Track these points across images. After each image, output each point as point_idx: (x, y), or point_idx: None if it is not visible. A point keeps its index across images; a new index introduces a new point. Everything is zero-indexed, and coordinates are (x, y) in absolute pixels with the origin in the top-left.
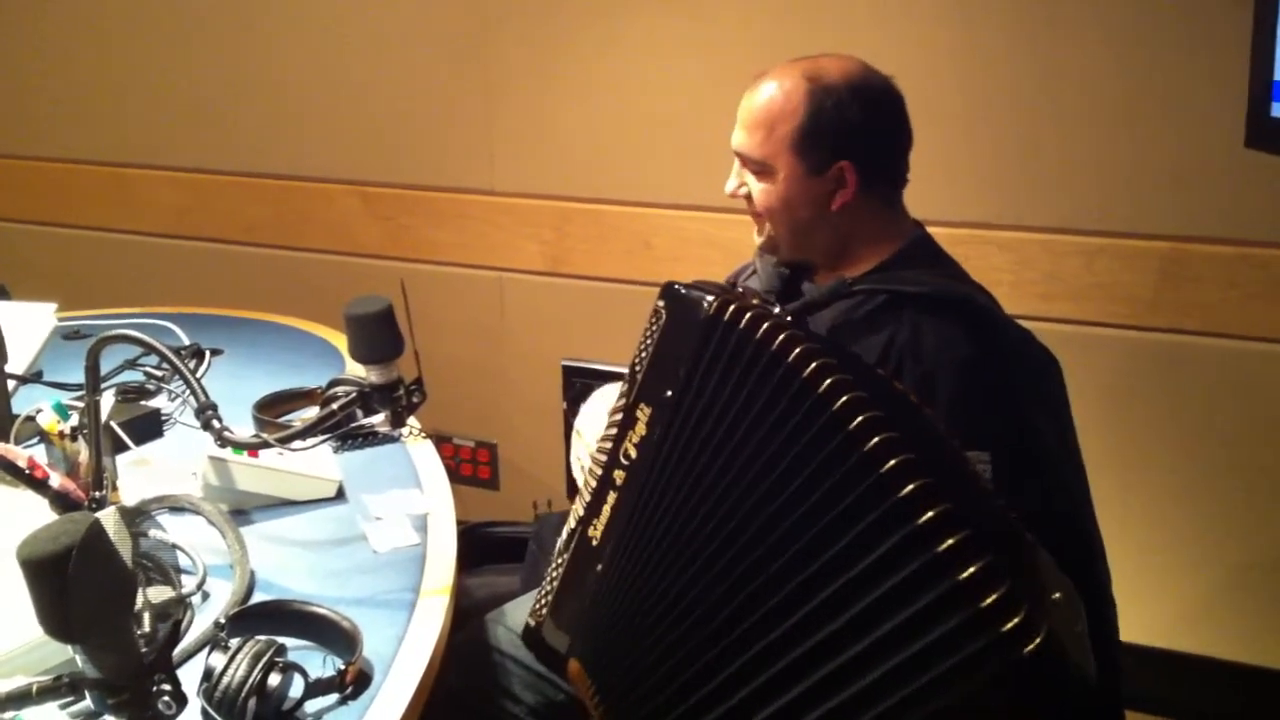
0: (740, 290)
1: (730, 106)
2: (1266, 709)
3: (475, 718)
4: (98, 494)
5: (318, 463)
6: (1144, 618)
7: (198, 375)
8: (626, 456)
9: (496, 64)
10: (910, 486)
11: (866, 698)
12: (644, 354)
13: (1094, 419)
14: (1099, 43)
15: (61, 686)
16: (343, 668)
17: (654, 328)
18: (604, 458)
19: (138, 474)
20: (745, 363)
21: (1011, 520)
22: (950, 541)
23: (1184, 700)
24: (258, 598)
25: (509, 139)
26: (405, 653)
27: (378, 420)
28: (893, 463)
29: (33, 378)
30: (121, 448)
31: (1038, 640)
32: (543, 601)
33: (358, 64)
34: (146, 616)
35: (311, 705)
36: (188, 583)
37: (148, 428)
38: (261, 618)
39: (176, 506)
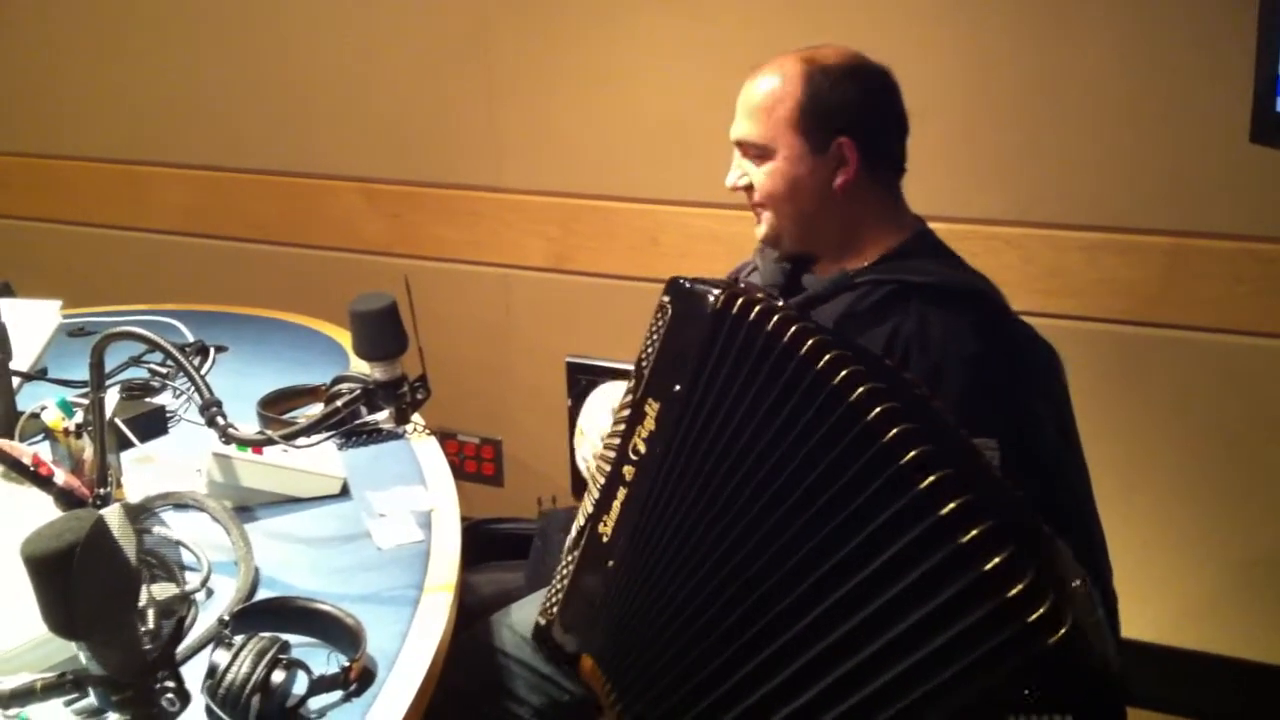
0: (744, 285)
1: (735, 104)
2: (1269, 706)
3: (479, 719)
4: (102, 491)
5: (322, 460)
6: (1147, 614)
7: (202, 372)
8: (635, 452)
9: (502, 61)
10: (931, 478)
11: (889, 693)
12: (650, 349)
13: (1097, 414)
14: (1102, 39)
15: (65, 683)
16: (347, 665)
17: (660, 323)
18: (612, 454)
19: (142, 471)
20: (756, 355)
21: (1028, 510)
22: (974, 533)
23: (1187, 697)
24: (262, 594)
25: (515, 136)
26: (409, 649)
27: (382, 417)
28: (911, 454)
29: (37, 375)
30: (126, 445)
31: (1063, 630)
32: (553, 600)
33: (364, 61)
34: (150, 613)
35: (315, 702)
36: (192, 579)
37: (152, 425)
38: (265, 614)
39: (181, 503)
